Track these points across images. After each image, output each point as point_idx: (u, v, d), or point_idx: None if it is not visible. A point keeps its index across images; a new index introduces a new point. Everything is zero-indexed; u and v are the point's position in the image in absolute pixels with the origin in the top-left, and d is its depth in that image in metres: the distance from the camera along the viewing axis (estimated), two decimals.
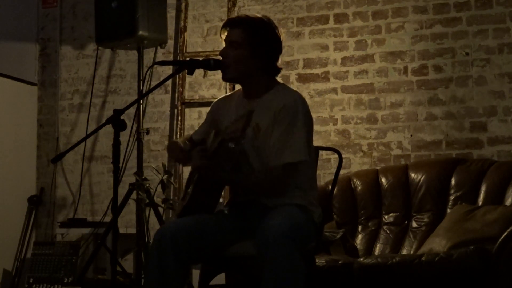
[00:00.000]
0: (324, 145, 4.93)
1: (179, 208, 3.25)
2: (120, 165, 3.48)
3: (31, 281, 5.30)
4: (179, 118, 5.50)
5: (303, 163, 3.10)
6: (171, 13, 5.52)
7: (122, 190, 4.76)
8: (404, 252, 4.43)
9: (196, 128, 3.53)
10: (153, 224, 4.93)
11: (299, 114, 3.11)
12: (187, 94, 5.56)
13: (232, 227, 3.16)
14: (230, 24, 3.22)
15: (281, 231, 2.85)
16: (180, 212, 3.17)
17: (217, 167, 3.07)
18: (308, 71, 5.29)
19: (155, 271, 2.99)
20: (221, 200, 3.36)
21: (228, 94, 3.43)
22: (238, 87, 3.42)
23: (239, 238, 3.15)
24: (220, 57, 3.23)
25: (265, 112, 3.13)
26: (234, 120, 3.06)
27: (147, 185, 4.81)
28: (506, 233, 3.74)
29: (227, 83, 5.28)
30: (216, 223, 3.13)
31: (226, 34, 3.21)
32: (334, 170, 4.94)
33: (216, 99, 3.44)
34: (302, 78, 5.28)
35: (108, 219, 5.14)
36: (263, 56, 3.17)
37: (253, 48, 3.15)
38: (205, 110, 5.47)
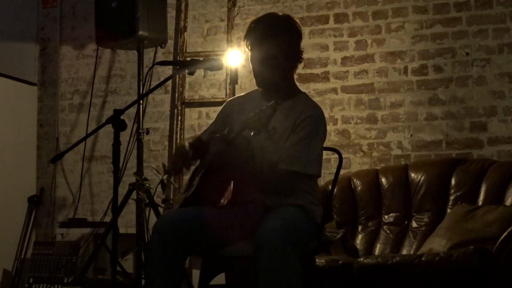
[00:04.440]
0: (324, 145, 4.93)
1: (181, 198, 3.24)
2: (120, 165, 3.48)
3: (31, 281, 5.30)
4: (179, 118, 5.50)
5: (318, 176, 3.16)
6: (171, 13, 5.52)
7: (122, 190, 4.75)
8: (404, 252, 4.43)
9: (198, 128, 3.53)
10: (153, 224, 4.92)
11: (320, 129, 3.15)
12: (187, 94, 5.56)
13: (233, 224, 3.16)
14: (261, 37, 3.16)
15: (275, 232, 2.86)
16: (183, 202, 3.17)
17: (232, 155, 3.07)
18: (308, 71, 5.29)
19: (156, 259, 3.01)
20: (221, 200, 3.36)
21: (242, 94, 3.43)
22: (237, 87, 3.42)
23: (239, 236, 3.15)
24: (220, 58, 3.24)
25: (285, 118, 3.15)
26: (259, 111, 3.02)
27: (147, 185, 4.81)
28: (506, 233, 3.74)
29: (227, 83, 5.29)
30: (217, 217, 3.14)
31: (254, 44, 3.18)
32: (334, 170, 4.94)
33: (230, 98, 3.44)
34: (302, 78, 5.28)
35: (108, 219, 5.14)
36: (295, 56, 3.21)
37: (287, 54, 3.18)
38: (205, 110, 5.51)
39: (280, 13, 3.33)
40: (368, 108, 5.14)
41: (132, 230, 5.09)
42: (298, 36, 3.24)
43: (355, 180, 4.79)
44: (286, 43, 3.18)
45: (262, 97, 3.26)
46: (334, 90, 5.23)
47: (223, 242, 3.16)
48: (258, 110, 3.00)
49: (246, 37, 3.21)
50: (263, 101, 3.22)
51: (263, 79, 3.21)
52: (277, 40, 3.16)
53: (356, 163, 5.11)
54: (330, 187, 4.25)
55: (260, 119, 2.94)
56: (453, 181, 4.52)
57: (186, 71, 3.24)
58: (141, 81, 5.09)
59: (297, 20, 3.29)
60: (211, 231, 3.10)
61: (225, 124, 3.30)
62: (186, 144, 3.30)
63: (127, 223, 5.45)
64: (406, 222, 4.57)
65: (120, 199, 4.66)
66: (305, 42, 5.28)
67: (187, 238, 3.03)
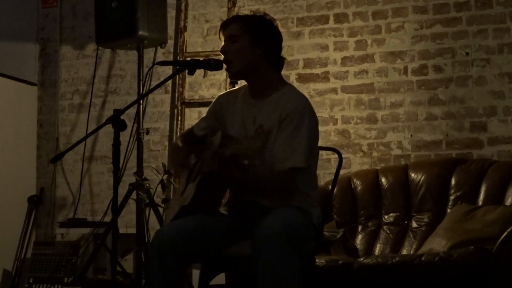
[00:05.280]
0: (324, 145, 4.92)
1: (177, 204, 3.23)
2: (120, 165, 3.49)
3: (31, 281, 5.30)
4: (179, 118, 5.50)
5: (304, 169, 3.10)
6: (171, 13, 5.52)
7: (122, 190, 4.76)
8: (404, 252, 4.43)
9: None
10: (153, 224, 4.93)
11: (304, 120, 3.11)
12: (187, 94, 5.57)
13: (231, 227, 3.16)
14: (226, 23, 3.26)
15: (275, 232, 2.85)
16: (180, 210, 3.16)
17: (227, 170, 3.05)
18: (308, 71, 5.29)
19: (156, 273, 3.00)
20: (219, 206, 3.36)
21: (232, 89, 3.43)
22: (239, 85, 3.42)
23: (238, 238, 3.15)
24: (220, 57, 3.24)
25: (270, 114, 3.14)
26: (250, 138, 3.10)
27: (147, 185, 4.81)
28: (506, 233, 3.74)
29: (227, 83, 5.29)
30: (215, 223, 3.13)
31: (224, 34, 3.23)
32: (334, 170, 4.94)
33: (220, 94, 3.43)
34: (302, 78, 5.28)
35: (108, 219, 5.14)
36: (262, 43, 3.18)
37: (252, 36, 3.17)
38: (205, 110, 5.43)
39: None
40: (368, 108, 5.14)
41: (132, 230, 5.10)
42: (264, 23, 3.23)
43: (355, 180, 4.79)
44: (248, 26, 3.18)
45: (248, 93, 3.26)
46: (334, 90, 5.23)
47: (224, 247, 3.15)
48: (247, 136, 3.12)
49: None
50: (250, 98, 3.23)
51: (231, 68, 3.20)
52: (237, 24, 3.20)
53: (356, 163, 5.11)
54: (330, 187, 4.25)
55: (252, 149, 2.99)
56: (453, 181, 4.52)
57: (187, 71, 3.23)
58: (141, 81, 5.09)
59: (276, 19, 3.32)
60: (211, 239, 3.10)
61: (218, 120, 3.31)
62: (179, 142, 3.30)
63: (127, 223, 5.46)
64: (406, 222, 4.57)
65: (120, 199, 4.66)
66: (305, 42, 5.31)
67: (187, 251, 3.03)
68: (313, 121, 3.18)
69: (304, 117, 3.11)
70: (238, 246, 3.15)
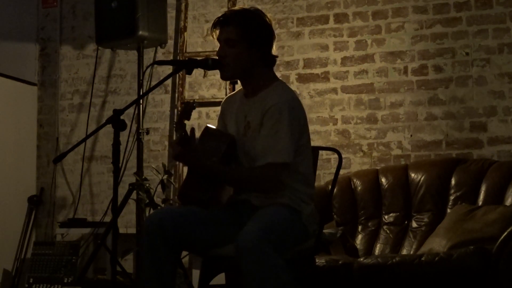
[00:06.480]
0: (324, 145, 4.93)
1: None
2: (120, 165, 3.48)
3: (31, 281, 5.30)
4: None
5: (289, 164, 3.09)
6: (171, 13, 5.52)
7: (122, 190, 4.76)
8: (404, 252, 4.43)
9: (197, 128, 3.54)
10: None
11: (284, 116, 3.09)
12: (187, 94, 5.56)
13: (222, 222, 3.17)
14: (221, 23, 3.20)
15: (253, 235, 2.85)
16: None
17: (196, 156, 3.10)
18: (308, 71, 5.29)
19: (145, 254, 3.04)
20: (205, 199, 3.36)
21: (232, 93, 3.44)
22: (238, 86, 3.43)
23: (228, 234, 3.14)
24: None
25: (257, 110, 3.15)
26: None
27: (147, 185, 4.81)
28: (506, 233, 3.74)
29: (227, 83, 5.29)
30: (206, 215, 3.14)
31: (218, 33, 3.20)
32: (334, 170, 4.94)
33: (225, 97, 3.45)
34: (302, 78, 5.28)
35: (108, 219, 5.14)
36: (259, 47, 3.17)
37: (250, 42, 3.15)
38: (205, 110, 5.51)
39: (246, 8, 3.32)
40: (368, 108, 5.14)
41: (132, 230, 5.10)
42: (258, 22, 3.20)
43: (355, 180, 4.79)
44: (245, 30, 3.15)
45: (243, 93, 3.27)
46: (334, 90, 5.23)
47: (216, 240, 3.16)
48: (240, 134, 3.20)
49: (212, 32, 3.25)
50: (244, 98, 3.24)
51: (227, 71, 3.20)
52: (234, 27, 3.15)
53: (356, 163, 5.11)
54: (330, 187, 4.25)
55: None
56: (453, 181, 4.52)
57: (185, 70, 3.23)
58: (141, 81, 5.09)
59: (267, 14, 3.28)
60: (200, 228, 3.11)
61: (224, 124, 3.33)
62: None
63: (127, 223, 5.46)
64: (406, 222, 4.57)
65: (120, 199, 4.66)
66: (305, 42, 5.31)
67: (174, 234, 3.04)
68: (295, 116, 3.14)
69: (284, 112, 3.09)
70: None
